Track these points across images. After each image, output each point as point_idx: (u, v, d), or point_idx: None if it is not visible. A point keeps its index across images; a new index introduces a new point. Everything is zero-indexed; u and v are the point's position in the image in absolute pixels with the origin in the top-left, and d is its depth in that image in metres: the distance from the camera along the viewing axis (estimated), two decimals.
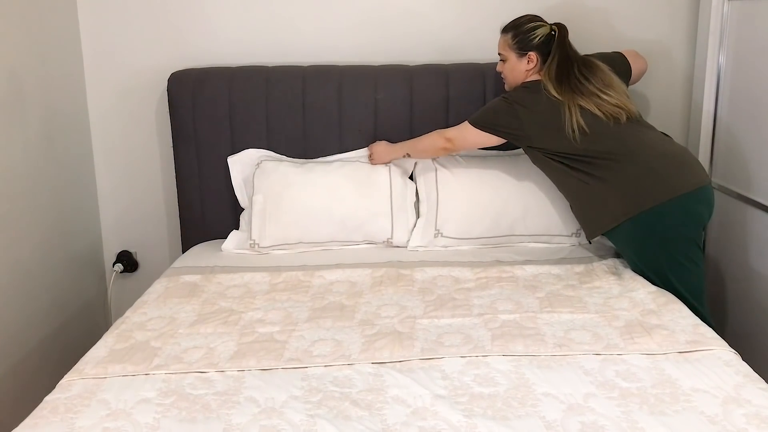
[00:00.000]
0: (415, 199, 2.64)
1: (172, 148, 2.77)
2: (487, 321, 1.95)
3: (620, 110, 2.27)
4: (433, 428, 1.47)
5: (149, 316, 2.04)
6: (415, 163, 2.67)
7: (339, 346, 1.83)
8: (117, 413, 1.53)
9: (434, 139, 2.46)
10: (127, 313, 2.07)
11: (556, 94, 2.27)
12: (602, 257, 2.45)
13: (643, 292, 2.11)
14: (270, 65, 2.75)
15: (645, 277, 2.23)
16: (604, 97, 2.27)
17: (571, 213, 2.54)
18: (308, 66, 2.75)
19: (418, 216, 2.62)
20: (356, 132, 2.72)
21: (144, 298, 2.19)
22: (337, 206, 2.54)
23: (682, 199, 2.17)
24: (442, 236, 2.57)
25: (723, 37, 2.60)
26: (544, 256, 2.48)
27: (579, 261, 2.42)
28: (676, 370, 1.66)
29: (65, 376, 1.69)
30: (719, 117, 2.66)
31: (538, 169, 2.56)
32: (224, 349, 1.82)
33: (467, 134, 2.39)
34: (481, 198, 2.57)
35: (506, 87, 2.47)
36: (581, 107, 2.25)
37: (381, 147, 2.61)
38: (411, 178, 2.68)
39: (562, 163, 2.31)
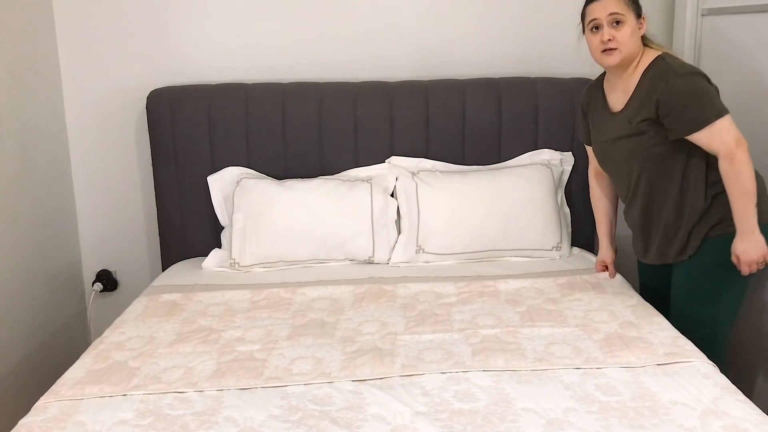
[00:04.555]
0: (396, 216, 2.64)
1: (151, 166, 2.76)
2: (468, 336, 1.95)
3: None
4: None
5: (128, 335, 2.02)
6: (396, 178, 2.67)
7: (319, 363, 1.82)
8: None
9: (738, 162, 1.89)
10: (106, 333, 2.05)
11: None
12: (583, 270, 2.46)
13: (622, 305, 2.12)
14: (249, 82, 2.75)
15: (694, 293, 2.09)
16: None
17: (551, 227, 2.54)
18: (288, 83, 2.75)
19: (399, 233, 2.62)
20: (337, 148, 2.72)
21: (123, 317, 2.17)
22: (318, 225, 2.53)
23: None
24: (423, 252, 2.57)
25: (697, 50, 2.64)
26: (525, 269, 2.49)
27: (560, 274, 2.42)
28: (655, 383, 1.67)
29: (41, 398, 1.67)
30: None
31: (520, 183, 2.56)
32: (203, 368, 1.81)
33: (730, 127, 1.90)
34: (462, 213, 2.57)
35: (617, 60, 1.98)
36: None
37: (747, 245, 1.94)
38: (392, 195, 2.68)
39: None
